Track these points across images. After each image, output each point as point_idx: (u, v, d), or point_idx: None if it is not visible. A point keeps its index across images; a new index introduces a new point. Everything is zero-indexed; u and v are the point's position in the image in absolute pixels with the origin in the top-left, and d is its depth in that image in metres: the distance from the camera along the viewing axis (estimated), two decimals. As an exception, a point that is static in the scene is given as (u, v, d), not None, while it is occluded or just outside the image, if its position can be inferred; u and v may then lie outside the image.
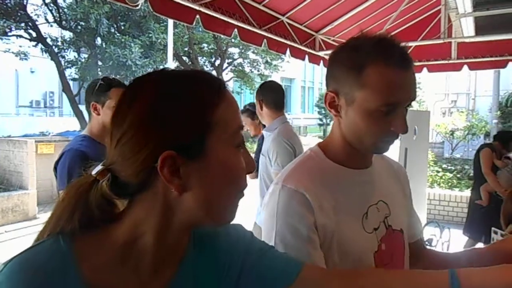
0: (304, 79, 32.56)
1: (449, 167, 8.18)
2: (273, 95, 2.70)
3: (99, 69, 13.38)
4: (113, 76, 2.22)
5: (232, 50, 17.02)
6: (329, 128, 21.42)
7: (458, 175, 7.93)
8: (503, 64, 5.26)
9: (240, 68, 17.74)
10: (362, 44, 0.93)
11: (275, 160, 2.48)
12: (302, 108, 32.26)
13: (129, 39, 12.48)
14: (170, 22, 11.05)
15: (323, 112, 24.98)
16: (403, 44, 0.93)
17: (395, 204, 1.06)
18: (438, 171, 7.53)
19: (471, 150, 11.11)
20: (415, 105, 13.85)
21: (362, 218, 0.97)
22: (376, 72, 0.90)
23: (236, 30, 3.48)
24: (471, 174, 8.49)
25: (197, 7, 2.92)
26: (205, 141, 0.62)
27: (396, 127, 0.92)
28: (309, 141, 18.05)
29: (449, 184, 7.02)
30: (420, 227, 1.21)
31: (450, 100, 18.16)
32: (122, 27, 13.31)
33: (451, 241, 3.47)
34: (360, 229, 0.96)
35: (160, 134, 0.61)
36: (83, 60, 13.93)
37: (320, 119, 25.36)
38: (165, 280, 0.68)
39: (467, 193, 6.43)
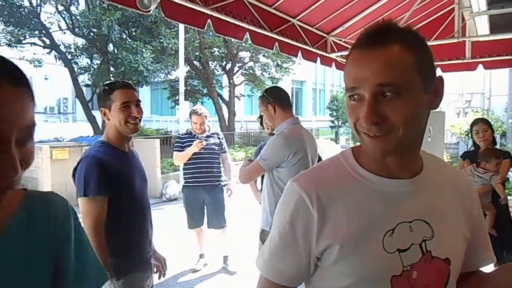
0: (315, 81, 32.45)
1: (465, 168, 8.02)
2: (284, 97, 2.71)
3: (111, 75, 13.55)
4: (118, 79, 2.25)
5: (243, 54, 17.07)
6: (341, 131, 21.10)
7: (474, 177, 7.78)
8: (520, 63, 5.16)
9: (251, 71, 17.78)
10: None
11: (262, 152, 2.58)
12: (314, 110, 32.13)
13: (140, 44, 12.62)
14: (181, 27, 11.13)
15: (335, 114, 24.85)
16: (387, 22, 0.82)
17: (445, 227, 0.88)
18: (453, 172, 7.37)
19: (486, 151, 10.94)
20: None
21: (385, 234, 0.84)
22: (348, 60, 0.84)
23: (247, 33, 3.48)
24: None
25: (208, 12, 2.92)
26: None
27: (362, 117, 0.80)
28: (321, 144, 17.96)
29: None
30: (485, 258, 1.01)
31: (464, 100, 17.93)
32: (134, 33, 13.47)
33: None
34: (377, 246, 0.83)
35: None
36: (95, 66, 14.13)
37: (332, 122, 25.22)
38: None
39: (484, 194, 6.31)
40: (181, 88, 10.17)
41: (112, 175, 1.85)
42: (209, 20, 2.98)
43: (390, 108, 0.78)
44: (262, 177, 2.88)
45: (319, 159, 3.23)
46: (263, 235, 2.62)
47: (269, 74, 17.74)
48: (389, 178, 0.87)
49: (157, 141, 9.31)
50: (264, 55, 16.70)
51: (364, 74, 0.78)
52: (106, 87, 1.94)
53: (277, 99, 2.67)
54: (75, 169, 1.89)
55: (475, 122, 3.83)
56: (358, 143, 0.92)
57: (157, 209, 8.06)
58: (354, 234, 0.83)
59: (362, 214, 0.85)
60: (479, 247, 0.99)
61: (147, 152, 9.09)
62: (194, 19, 2.90)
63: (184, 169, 4.37)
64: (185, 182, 4.36)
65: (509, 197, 6.11)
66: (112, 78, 13.47)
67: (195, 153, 4.11)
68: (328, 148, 16.01)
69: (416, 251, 0.84)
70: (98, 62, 14.28)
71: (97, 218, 1.80)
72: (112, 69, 13.57)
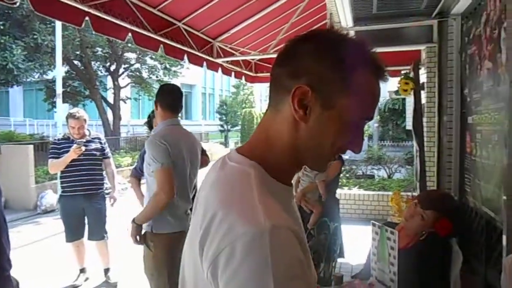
0: (204, 85, 32.64)
1: (339, 168, 8.89)
2: (168, 97, 2.67)
3: (-27, 72, 11.88)
4: None
5: (129, 55, 16.39)
6: (231, 135, 21.45)
7: (347, 175, 8.64)
8: (381, 74, 5.88)
9: (137, 73, 17.15)
10: (352, 44, 0.76)
11: (153, 160, 2.42)
12: (203, 114, 32.27)
13: (10, 40, 11.31)
14: (59, 23, 10.26)
15: (224, 118, 25.31)
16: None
17: None
18: (330, 172, 8.11)
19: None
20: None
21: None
22: (369, 81, 0.75)
23: (130, 34, 3.38)
24: (358, 173, 9.35)
25: (86, 8, 2.76)
26: None
27: (356, 145, 0.78)
28: (211, 148, 18.10)
29: (340, 183, 7.60)
30: None
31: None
32: (2, 27, 12.02)
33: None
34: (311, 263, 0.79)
35: None
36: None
37: (221, 126, 25.63)
38: None
39: (355, 191, 7.06)
40: (59, 89, 9.37)
41: None
42: (87, 18, 2.82)
43: None
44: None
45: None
46: (145, 238, 2.56)
47: (156, 76, 17.33)
48: (290, 186, 0.82)
49: (30, 148, 8.43)
50: (151, 57, 16.26)
51: (376, 107, 0.82)
52: None
53: (160, 99, 2.64)
54: None
55: None
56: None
57: (31, 222, 7.29)
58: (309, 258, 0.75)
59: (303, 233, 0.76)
60: None
61: (18, 160, 8.19)
62: (69, 16, 2.72)
63: (61, 177, 4.04)
64: (63, 191, 4.04)
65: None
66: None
67: (74, 160, 3.84)
68: (218, 152, 16.21)
69: None
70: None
71: None
72: (-26, 65, 11.92)
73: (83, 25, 2.83)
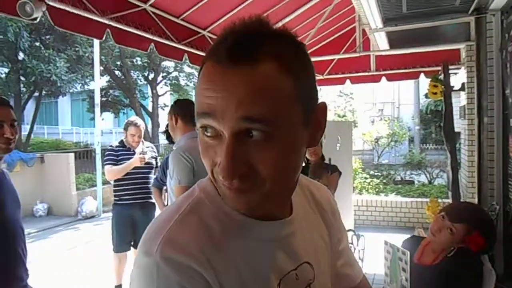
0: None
1: (376, 174, 8.58)
2: (190, 109, 2.69)
3: (22, 85, 12.57)
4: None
5: (167, 63, 16.77)
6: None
7: (384, 181, 8.32)
8: (417, 76, 5.65)
9: (175, 81, 17.51)
10: None
11: (173, 175, 2.43)
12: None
13: (53, 53, 11.86)
14: (98, 35, 10.61)
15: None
16: (258, 24, 0.58)
17: (320, 258, 0.74)
18: (366, 178, 7.84)
19: (396, 156, 11.84)
20: (348, 115, 14.54)
21: None
22: (201, 73, 0.59)
23: (153, 44, 3.39)
24: (396, 179, 9.00)
25: (106, 21, 2.79)
26: None
27: (219, 164, 0.56)
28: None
29: (376, 190, 7.34)
30: (358, 266, 0.90)
31: (377, 109, 19.20)
32: (47, 41, 12.65)
33: (368, 247, 3.58)
34: None
35: None
36: (3, 75, 13.02)
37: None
38: None
39: (392, 197, 6.77)
40: (97, 99, 9.68)
41: None
42: (108, 30, 2.85)
43: (258, 155, 0.55)
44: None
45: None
46: None
47: (194, 84, 17.63)
48: (268, 221, 0.65)
49: (71, 156, 8.76)
50: (188, 65, 16.55)
51: (222, 100, 0.54)
52: None
53: (181, 111, 2.66)
54: None
55: None
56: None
57: (71, 228, 7.56)
58: None
59: (247, 274, 0.62)
60: (349, 260, 0.88)
61: (60, 168, 8.54)
62: (89, 29, 2.75)
63: (117, 185, 3.95)
64: (119, 200, 3.94)
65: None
66: (23, 89, 12.53)
67: (133, 168, 3.85)
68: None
69: None
70: (6, 70, 13.20)
71: None
72: (23, 78, 12.61)
73: (104, 37, 2.87)
